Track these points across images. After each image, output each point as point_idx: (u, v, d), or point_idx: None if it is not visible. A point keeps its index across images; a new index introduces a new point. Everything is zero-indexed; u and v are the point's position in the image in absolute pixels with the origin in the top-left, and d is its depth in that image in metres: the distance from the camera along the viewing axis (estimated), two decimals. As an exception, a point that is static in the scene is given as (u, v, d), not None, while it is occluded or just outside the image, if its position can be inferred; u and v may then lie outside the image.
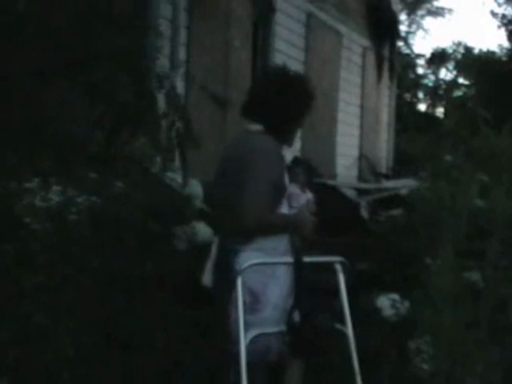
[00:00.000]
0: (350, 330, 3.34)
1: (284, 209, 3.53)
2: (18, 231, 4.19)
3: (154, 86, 5.43)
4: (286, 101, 3.52)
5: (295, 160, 6.14)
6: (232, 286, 3.34)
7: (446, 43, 57.53)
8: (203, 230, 5.90)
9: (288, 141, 3.64)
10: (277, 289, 3.42)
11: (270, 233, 3.45)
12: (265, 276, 3.40)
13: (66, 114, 5.20)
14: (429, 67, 31.18)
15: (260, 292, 3.38)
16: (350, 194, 10.56)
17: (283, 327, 3.31)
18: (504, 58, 25.27)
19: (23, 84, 4.86)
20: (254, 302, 3.38)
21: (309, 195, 3.67)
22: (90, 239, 4.34)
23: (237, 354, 3.19)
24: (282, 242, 3.49)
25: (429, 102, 30.78)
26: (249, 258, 3.34)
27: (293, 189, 3.66)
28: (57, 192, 4.48)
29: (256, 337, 3.26)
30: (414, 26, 33.08)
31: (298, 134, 3.85)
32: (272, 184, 3.40)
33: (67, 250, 4.19)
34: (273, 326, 3.34)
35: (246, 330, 3.23)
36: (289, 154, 3.79)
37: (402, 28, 28.69)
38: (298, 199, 3.61)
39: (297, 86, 3.57)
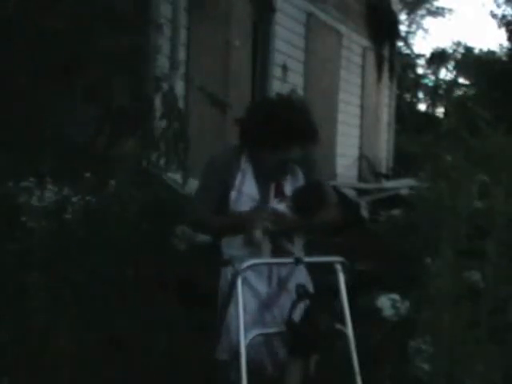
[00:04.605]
0: (350, 330, 3.34)
1: None
2: (18, 231, 4.20)
3: (151, 89, 5.44)
4: (254, 123, 3.51)
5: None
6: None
7: (446, 43, 57.61)
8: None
9: (268, 168, 3.52)
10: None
11: (218, 233, 3.54)
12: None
13: (64, 114, 5.20)
14: (429, 67, 31.20)
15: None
16: (350, 194, 10.55)
17: (282, 328, 3.32)
18: (504, 58, 25.26)
19: (21, 85, 4.86)
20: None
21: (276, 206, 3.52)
22: (85, 239, 4.35)
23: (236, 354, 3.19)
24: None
25: (429, 102, 30.80)
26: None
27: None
28: (53, 191, 4.49)
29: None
30: (413, 26, 33.13)
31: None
32: (206, 189, 3.52)
33: (64, 249, 4.21)
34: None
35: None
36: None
37: (402, 28, 28.74)
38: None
39: (271, 111, 3.48)
